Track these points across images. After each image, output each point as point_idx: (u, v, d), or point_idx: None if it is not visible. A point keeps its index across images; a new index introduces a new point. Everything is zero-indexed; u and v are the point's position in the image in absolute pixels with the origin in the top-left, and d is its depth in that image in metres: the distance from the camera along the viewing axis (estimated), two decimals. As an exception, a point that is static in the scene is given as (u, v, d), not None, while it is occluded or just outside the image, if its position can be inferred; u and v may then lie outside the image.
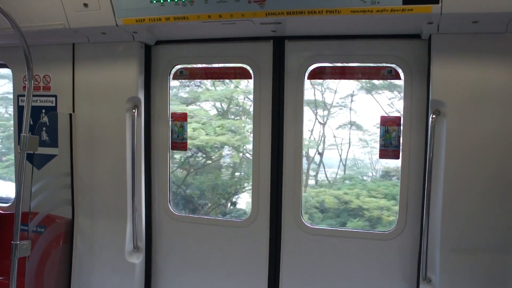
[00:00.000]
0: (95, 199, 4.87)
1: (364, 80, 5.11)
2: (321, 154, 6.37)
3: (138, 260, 4.86)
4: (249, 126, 5.32)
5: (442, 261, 3.99)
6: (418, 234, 4.27)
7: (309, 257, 4.64)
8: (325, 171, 6.55)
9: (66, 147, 4.86)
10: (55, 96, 4.90)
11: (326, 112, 6.11)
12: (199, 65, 5.00)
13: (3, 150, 7.72)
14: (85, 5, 4.16)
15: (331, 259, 4.58)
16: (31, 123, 4.45)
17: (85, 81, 4.79)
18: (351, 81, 5.21)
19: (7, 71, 5.29)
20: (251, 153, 4.80)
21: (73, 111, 4.83)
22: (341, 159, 6.34)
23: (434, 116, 3.91)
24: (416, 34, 4.15)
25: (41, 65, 4.81)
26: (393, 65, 4.37)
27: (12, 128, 5.19)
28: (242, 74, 4.80)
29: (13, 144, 5.29)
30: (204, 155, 6.68)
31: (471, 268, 3.96)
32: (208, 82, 6.34)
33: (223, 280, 4.89)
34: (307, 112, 5.16)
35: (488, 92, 3.81)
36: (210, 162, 6.72)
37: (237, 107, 6.53)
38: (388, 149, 4.38)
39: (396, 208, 4.45)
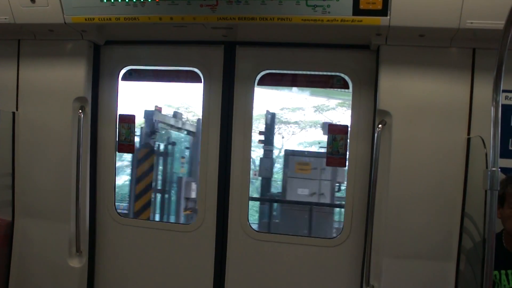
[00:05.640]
0: (37, 200, 4.71)
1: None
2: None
3: (80, 264, 4.73)
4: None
5: (385, 268, 4.06)
6: (362, 241, 4.33)
7: (255, 263, 4.64)
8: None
9: (7, 146, 4.70)
10: None
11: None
12: (149, 67, 4.95)
13: None
14: (32, 0, 4.05)
15: (276, 265, 4.60)
16: (-29, 120, 4.29)
17: (30, 79, 4.65)
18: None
19: None
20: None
21: (17, 110, 4.68)
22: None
23: (380, 126, 4.00)
24: (365, 45, 4.23)
25: None
26: (342, 75, 4.44)
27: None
28: (192, 77, 4.77)
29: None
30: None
31: (413, 275, 4.04)
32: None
33: (168, 285, 4.83)
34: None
35: (433, 104, 3.93)
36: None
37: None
38: (334, 157, 4.45)
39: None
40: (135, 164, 10.15)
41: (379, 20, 3.63)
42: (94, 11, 4.03)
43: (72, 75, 4.55)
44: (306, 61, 4.53)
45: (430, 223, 3.98)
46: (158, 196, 11.31)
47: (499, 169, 2.68)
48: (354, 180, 4.41)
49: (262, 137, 10.71)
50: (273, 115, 10.95)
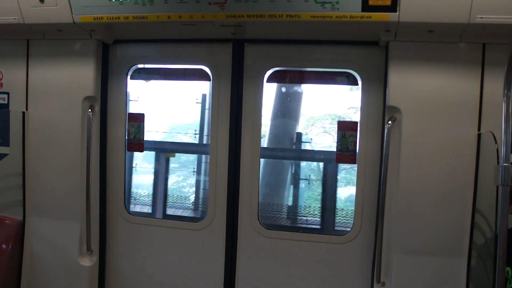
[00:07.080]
0: (47, 200, 4.73)
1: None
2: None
3: (91, 262, 4.76)
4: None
5: (396, 265, 4.05)
6: (373, 238, 4.33)
7: (265, 260, 4.64)
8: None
9: (18, 146, 4.72)
10: (7, 93, 4.75)
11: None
12: (158, 66, 4.96)
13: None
14: (41, 0, 4.06)
15: (287, 262, 4.60)
16: (-19, 120, 4.31)
17: (39, 78, 4.66)
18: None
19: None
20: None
21: (26, 109, 4.70)
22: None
23: (390, 122, 3.98)
24: (374, 41, 4.21)
25: None
26: (351, 71, 4.43)
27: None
28: (201, 75, 4.78)
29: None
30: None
31: (424, 271, 4.03)
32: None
33: (179, 283, 4.84)
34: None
35: (443, 100, 3.91)
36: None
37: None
38: (344, 154, 4.43)
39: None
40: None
41: (388, 16, 3.62)
42: (103, 10, 4.04)
43: (81, 74, 4.57)
44: (315, 58, 4.52)
45: (440, 219, 3.97)
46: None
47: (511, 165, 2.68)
48: (364, 176, 4.40)
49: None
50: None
